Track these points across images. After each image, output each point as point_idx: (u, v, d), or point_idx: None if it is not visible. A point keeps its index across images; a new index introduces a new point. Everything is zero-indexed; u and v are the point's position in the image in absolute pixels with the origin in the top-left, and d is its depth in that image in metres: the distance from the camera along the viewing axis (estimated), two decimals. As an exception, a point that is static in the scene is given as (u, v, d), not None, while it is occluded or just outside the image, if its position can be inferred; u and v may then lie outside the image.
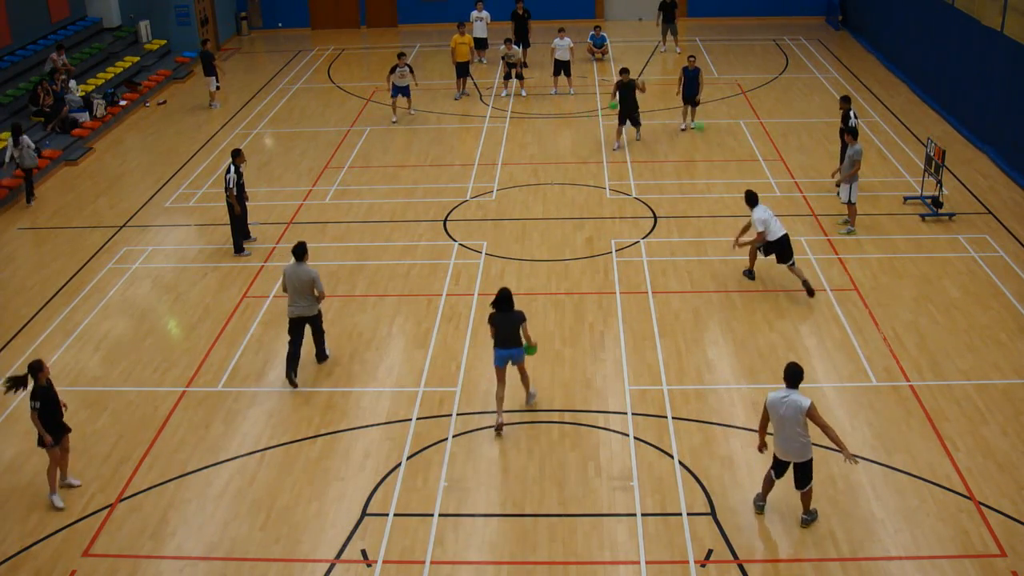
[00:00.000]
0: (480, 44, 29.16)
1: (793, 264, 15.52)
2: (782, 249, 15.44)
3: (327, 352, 14.33)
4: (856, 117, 19.13)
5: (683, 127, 23.29)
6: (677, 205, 19.16)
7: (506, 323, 12.43)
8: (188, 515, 11.34)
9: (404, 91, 24.58)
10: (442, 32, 32.50)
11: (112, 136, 24.76)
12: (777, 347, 14.22)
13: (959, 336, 14.39)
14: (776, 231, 15.35)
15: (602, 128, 23.72)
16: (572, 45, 26.09)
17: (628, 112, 21.79)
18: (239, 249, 17.76)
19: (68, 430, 11.79)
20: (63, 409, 11.70)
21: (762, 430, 10.82)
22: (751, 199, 15.58)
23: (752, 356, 14.05)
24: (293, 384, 13.66)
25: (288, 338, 13.74)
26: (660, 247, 17.41)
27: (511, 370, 12.74)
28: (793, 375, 10.47)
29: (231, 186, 17.31)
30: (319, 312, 13.86)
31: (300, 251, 13.61)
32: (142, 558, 10.72)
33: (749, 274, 16.08)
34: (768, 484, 10.94)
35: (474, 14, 29.14)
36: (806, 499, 10.79)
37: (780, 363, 13.72)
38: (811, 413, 10.32)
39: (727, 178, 20.41)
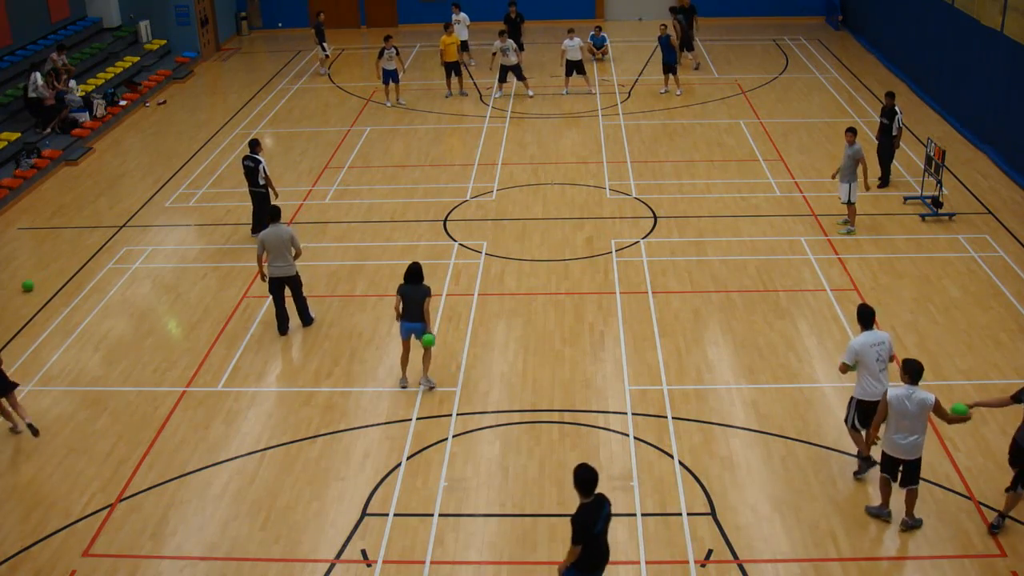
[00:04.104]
0: (463, 47, 29.08)
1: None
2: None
3: (311, 315, 15.25)
4: (900, 112, 19.17)
5: (663, 91, 26.25)
6: (677, 205, 19.16)
7: (412, 296, 13.11)
8: (188, 515, 11.34)
9: (393, 76, 25.72)
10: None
11: (112, 136, 24.76)
12: (777, 347, 14.22)
13: (959, 336, 14.39)
14: (881, 384, 11.10)
15: (602, 128, 23.73)
16: (583, 45, 26.21)
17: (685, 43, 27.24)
18: (257, 230, 17.89)
19: (15, 385, 12.83)
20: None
21: (875, 428, 10.72)
22: (865, 318, 11.50)
23: (752, 356, 14.05)
24: (283, 335, 15.01)
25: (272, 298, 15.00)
26: (660, 247, 17.41)
27: (415, 343, 13.47)
28: (914, 371, 10.31)
29: (265, 173, 17.66)
30: (297, 273, 14.82)
31: (276, 212, 14.83)
32: (142, 558, 10.72)
33: (867, 462, 11.53)
34: (887, 489, 10.75)
35: (454, 17, 29.12)
36: (911, 499, 10.62)
37: (780, 363, 13.79)
38: (937, 408, 10.29)
39: (727, 178, 20.42)
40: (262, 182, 17.65)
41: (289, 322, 15.00)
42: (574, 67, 26.17)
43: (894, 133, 19.06)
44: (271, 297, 14.96)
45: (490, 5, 32.06)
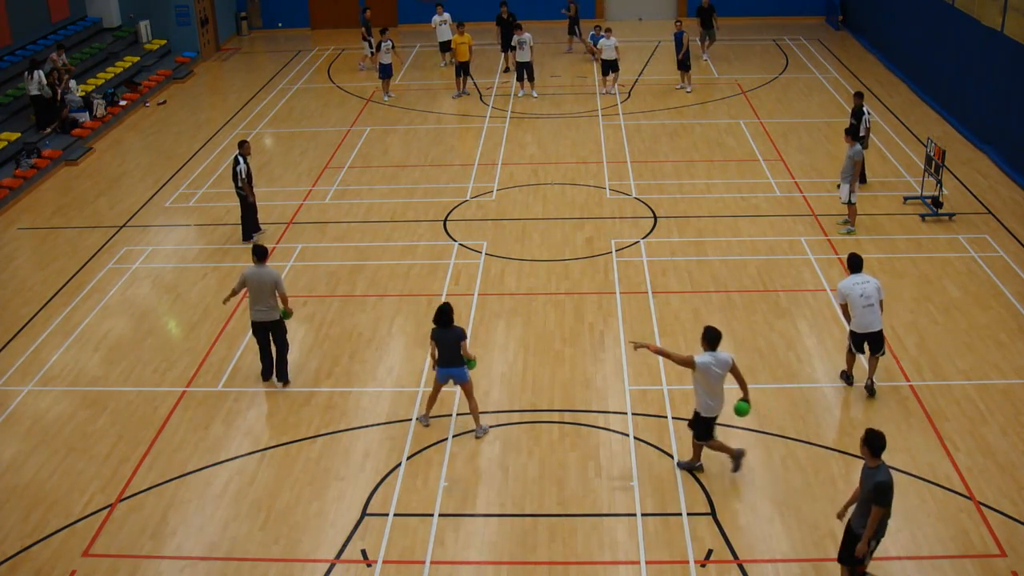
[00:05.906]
0: (445, 47, 29.00)
1: (881, 353, 13.01)
2: (874, 341, 12.92)
3: (287, 376, 13.65)
4: (869, 114, 19.15)
5: (688, 89, 26.57)
6: (677, 205, 19.16)
7: (445, 339, 12.21)
8: (188, 515, 11.34)
9: (389, 71, 26.23)
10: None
11: (112, 136, 24.76)
12: (777, 347, 14.22)
13: (959, 336, 14.39)
14: (866, 318, 12.68)
15: (602, 128, 23.72)
16: (618, 44, 26.10)
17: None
18: (248, 237, 17.95)
19: None
20: None
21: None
22: (853, 263, 13.03)
23: (752, 356, 14.04)
24: (267, 380, 13.79)
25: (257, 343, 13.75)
26: (660, 247, 17.41)
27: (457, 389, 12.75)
28: (712, 338, 11.21)
29: (244, 176, 17.55)
30: (280, 319, 13.44)
31: (261, 252, 13.42)
32: (142, 558, 10.71)
33: (847, 377, 13.31)
34: (700, 450, 11.81)
35: (436, 18, 29.00)
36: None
37: (780, 363, 13.79)
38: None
39: (727, 178, 20.42)
40: (240, 184, 17.60)
41: (274, 368, 13.75)
42: (610, 66, 26.07)
43: (862, 134, 19.05)
44: (256, 340, 13.68)
45: (482, 5, 32.00)
